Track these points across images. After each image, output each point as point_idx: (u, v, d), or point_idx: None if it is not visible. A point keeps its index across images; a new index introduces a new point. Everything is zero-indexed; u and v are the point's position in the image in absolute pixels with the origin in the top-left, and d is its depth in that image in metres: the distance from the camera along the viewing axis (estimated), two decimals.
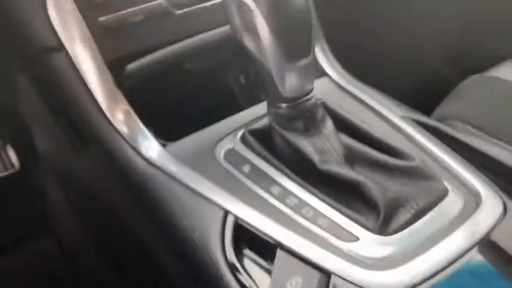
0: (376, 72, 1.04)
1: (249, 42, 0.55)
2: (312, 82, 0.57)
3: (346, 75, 0.76)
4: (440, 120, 0.84)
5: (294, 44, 0.54)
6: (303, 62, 0.55)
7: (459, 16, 1.20)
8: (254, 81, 0.85)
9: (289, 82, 0.55)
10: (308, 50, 0.55)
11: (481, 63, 1.06)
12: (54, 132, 0.91)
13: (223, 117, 0.69)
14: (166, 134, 0.67)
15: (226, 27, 0.71)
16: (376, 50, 1.14)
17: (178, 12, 0.67)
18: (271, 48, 0.53)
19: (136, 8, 0.64)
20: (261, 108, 0.68)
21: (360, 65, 0.82)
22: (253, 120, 0.67)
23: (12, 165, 1.21)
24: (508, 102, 0.84)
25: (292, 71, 0.55)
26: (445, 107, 0.87)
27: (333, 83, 0.75)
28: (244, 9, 0.53)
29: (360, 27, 1.15)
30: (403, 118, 0.67)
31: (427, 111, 0.90)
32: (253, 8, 0.52)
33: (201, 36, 0.70)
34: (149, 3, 0.65)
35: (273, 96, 0.58)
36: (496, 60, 1.03)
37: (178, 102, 0.74)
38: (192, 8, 0.68)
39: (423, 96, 0.99)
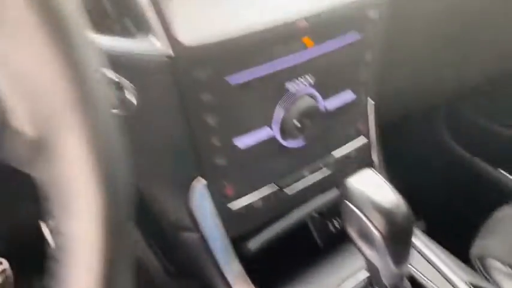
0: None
1: (356, 238, 0.68)
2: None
3: (416, 231, 0.90)
4: (481, 258, 0.99)
5: (400, 251, 0.68)
6: (405, 262, 0.68)
7: None
8: (325, 213, 0.99)
9: (393, 276, 0.69)
10: (409, 251, 0.69)
11: None
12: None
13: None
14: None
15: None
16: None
17: (292, 193, 0.80)
18: (380, 252, 0.66)
19: (259, 194, 0.77)
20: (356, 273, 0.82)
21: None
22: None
23: None
24: None
25: (397, 268, 0.68)
26: (484, 242, 1.02)
27: None
28: (355, 215, 0.66)
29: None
30: (470, 286, 0.82)
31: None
32: (362, 217, 0.66)
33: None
34: (268, 188, 0.78)
35: (374, 279, 0.72)
36: None
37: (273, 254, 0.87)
38: (303, 186, 0.81)
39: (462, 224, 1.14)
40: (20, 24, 0.28)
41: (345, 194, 0.67)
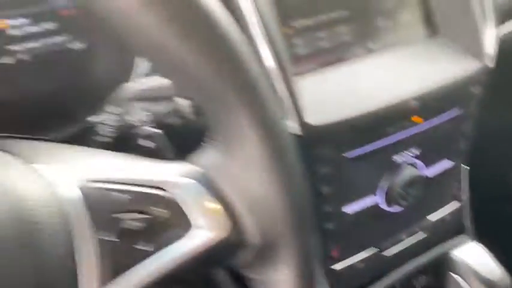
0: None
1: None
2: None
3: None
4: None
5: None
6: None
7: None
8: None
9: None
10: None
11: None
12: None
13: None
14: None
15: None
16: None
17: (390, 255, 0.85)
18: None
19: (360, 256, 0.82)
20: None
21: None
22: None
23: None
24: None
25: None
26: None
27: None
28: (459, 286, 0.70)
29: None
30: None
31: None
32: None
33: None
34: (369, 250, 0.83)
35: None
36: None
37: None
38: (401, 249, 0.85)
39: None
40: (255, 160, 0.34)
41: (450, 265, 0.72)
